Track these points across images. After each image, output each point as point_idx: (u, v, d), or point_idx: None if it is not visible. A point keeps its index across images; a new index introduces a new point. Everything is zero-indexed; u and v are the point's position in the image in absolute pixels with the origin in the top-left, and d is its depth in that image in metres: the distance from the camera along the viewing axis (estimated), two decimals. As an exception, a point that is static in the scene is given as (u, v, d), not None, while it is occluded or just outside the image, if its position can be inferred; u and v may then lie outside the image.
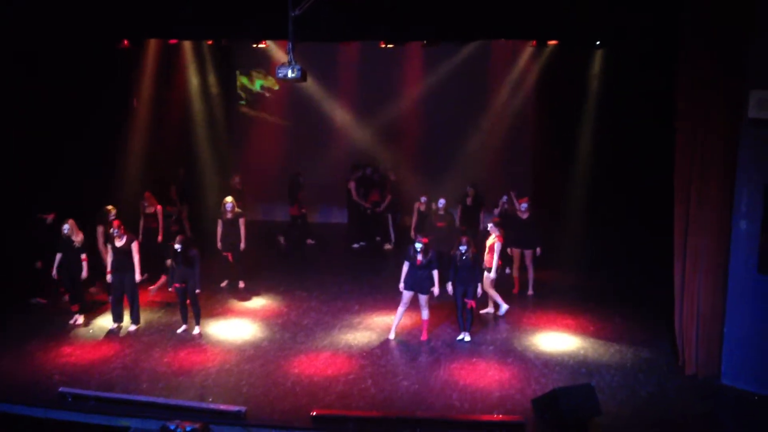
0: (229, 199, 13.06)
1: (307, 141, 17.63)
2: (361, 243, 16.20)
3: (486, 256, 11.40)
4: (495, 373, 9.60)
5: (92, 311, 11.64)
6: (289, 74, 10.50)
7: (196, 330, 10.91)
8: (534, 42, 15.37)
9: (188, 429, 7.65)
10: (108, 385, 9.11)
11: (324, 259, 15.35)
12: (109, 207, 12.26)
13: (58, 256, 11.13)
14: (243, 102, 18.11)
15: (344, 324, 11.44)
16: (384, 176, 16.47)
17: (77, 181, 12.92)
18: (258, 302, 12.40)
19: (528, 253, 12.72)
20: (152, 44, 14.99)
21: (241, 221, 12.92)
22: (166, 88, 15.86)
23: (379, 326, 11.21)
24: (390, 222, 16.25)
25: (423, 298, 10.61)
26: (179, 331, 10.96)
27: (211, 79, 17.21)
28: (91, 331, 11.04)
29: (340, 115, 17.69)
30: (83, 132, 13.14)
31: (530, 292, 12.76)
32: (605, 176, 14.97)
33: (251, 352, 10.27)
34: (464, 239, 10.75)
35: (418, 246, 10.52)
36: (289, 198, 16.13)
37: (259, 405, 8.58)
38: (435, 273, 10.62)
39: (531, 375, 9.54)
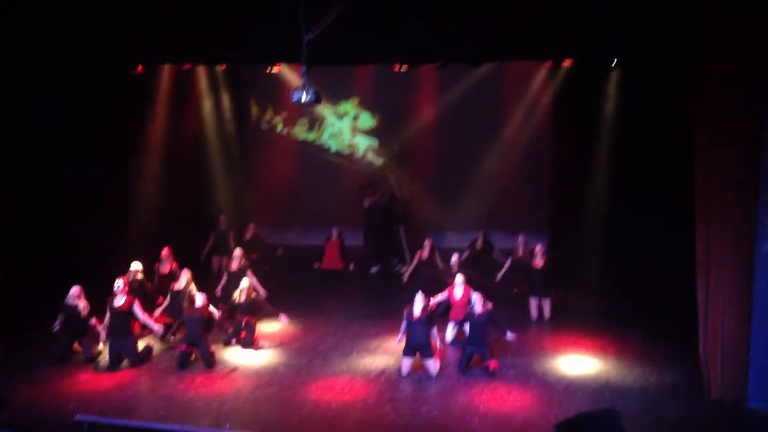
0: (237, 251, 12.81)
1: (321, 163, 17.64)
2: (378, 266, 16.03)
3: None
4: (516, 398, 9.43)
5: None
6: (304, 98, 10.50)
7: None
8: (549, 62, 15.33)
9: (206, 457, 7.56)
10: (124, 412, 8.98)
11: (339, 282, 15.18)
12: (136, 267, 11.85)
13: (60, 317, 10.72)
14: (265, 127, 18.09)
15: (361, 348, 11.32)
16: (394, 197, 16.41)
17: (92, 210, 12.96)
18: (274, 327, 12.29)
19: (546, 301, 12.57)
20: (166, 70, 15.05)
21: (249, 273, 12.35)
22: (180, 113, 15.89)
23: (397, 350, 11.05)
24: (402, 238, 16.00)
25: (428, 363, 10.21)
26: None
27: (225, 104, 17.24)
28: (106, 358, 10.94)
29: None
30: (97, 158, 13.21)
31: (547, 315, 12.59)
32: (624, 196, 14.80)
33: (268, 378, 10.15)
34: (476, 296, 10.46)
35: (418, 298, 10.21)
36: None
37: (277, 431, 8.44)
38: (434, 331, 10.35)
39: (553, 399, 9.36)
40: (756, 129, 8.78)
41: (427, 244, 13.55)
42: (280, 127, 17.95)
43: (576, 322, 12.43)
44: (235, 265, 12.57)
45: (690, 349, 10.30)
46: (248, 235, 14.91)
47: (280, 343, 11.58)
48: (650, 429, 8.53)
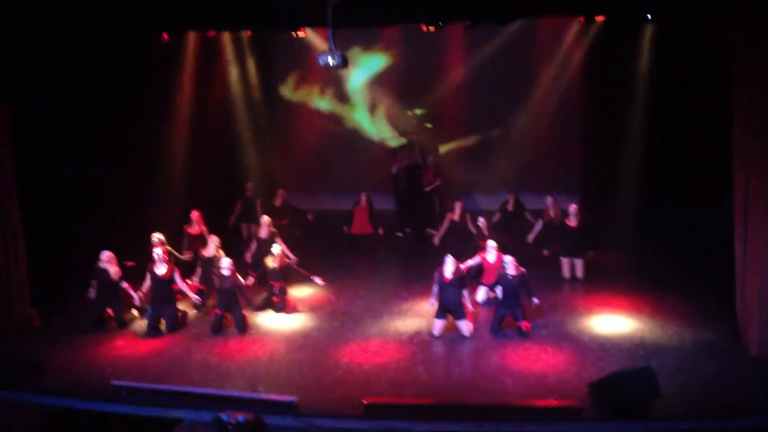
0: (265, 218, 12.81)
1: (348, 127, 17.55)
2: (407, 230, 15.98)
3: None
4: (549, 358, 9.38)
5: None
6: (330, 61, 10.41)
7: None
8: (581, 18, 14.95)
9: (240, 420, 7.60)
10: (160, 377, 9.12)
11: (369, 246, 15.00)
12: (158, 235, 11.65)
13: (93, 283, 10.84)
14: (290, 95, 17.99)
15: (393, 311, 11.32)
16: (427, 161, 16.22)
17: (120, 179, 13.03)
18: (305, 291, 12.32)
19: (578, 261, 12.42)
20: (191, 37, 14.97)
21: (278, 239, 12.35)
22: (207, 82, 15.84)
23: (429, 312, 11.01)
24: (437, 207, 15.91)
25: (460, 324, 10.23)
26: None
27: (251, 70, 17.14)
28: (142, 323, 11.07)
29: (381, 100, 17.50)
30: (125, 129, 13.28)
31: (580, 275, 12.45)
32: (659, 154, 14.52)
33: (301, 342, 10.21)
34: (509, 260, 10.35)
35: (449, 260, 10.18)
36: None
37: (311, 394, 8.50)
38: (465, 293, 10.29)
39: (587, 358, 9.29)
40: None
41: (457, 206, 13.44)
42: (306, 95, 17.79)
43: (609, 281, 12.29)
44: (264, 233, 12.59)
45: (726, 307, 10.14)
46: (278, 201, 14.91)
47: (313, 307, 11.62)
48: (686, 387, 8.43)
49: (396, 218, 16.26)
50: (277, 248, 11.63)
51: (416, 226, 15.99)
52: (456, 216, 13.35)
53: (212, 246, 11.87)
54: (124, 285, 10.85)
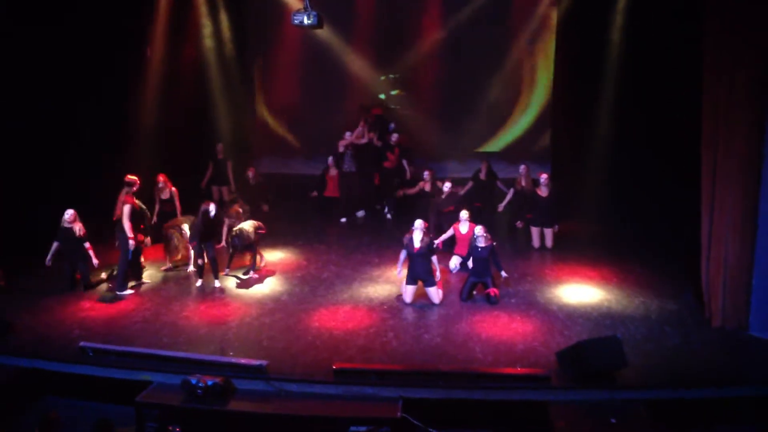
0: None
1: (322, 90, 17.37)
2: (363, 212, 15.03)
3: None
4: (518, 326, 9.47)
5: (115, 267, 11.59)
6: (305, 21, 10.29)
7: (217, 283, 10.87)
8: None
9: (210, 383, 7.63)
10: (129, 339, 9.06)
11: (340, 211, 14.95)
12: (133, 177, 11.31)
13: (55, 244, 10.60)
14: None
15: (364, 277, 11.35)
16: (390, 140, 14.95)
17: (91, 139, 12.79)
18: (276, 255, 12.30)
19: (548, 231, 12.51)
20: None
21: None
22: (179, 38, 15.50)
23: (399, 279, 11.09)
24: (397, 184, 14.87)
25: (430, 291, 10.27)
26: (198, 284, 10.92)
27: (225, 27, 16.80)
28: (109, 285, 10.98)
29: (355, 63, 17.31)
30: (96, 86, 12.98)
31: (549, 244, 12.57)
32: (629, 125, 14.59)
33: (271, 306, 10.20)
34: (479, 230, 10.37)
35: (417, 229, 10.17)
36: None
37: (281, 359, 8.50)
38: (435, 259, 10.31)
39: (555, 327, 9.41)
40: (763, 59, 8.59)
41: (427, 175, 13.42)
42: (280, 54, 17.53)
43: (578, 251, 12.43)
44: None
45: (691, 279, 10.35)
46: (252, 180, 14.81)
47: (283, 271, 11.60)
48: (651, 356, 8.57)
49: (341, 205, 14.82)
50: (247, 224, 11.48)
51: (371, 208, 15.08)
52: (427, 186, 13.33)
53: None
54: (87, 245, 10.69)
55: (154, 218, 12.20)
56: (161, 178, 12.45)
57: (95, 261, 10.73)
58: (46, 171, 12.12)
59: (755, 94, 8.75)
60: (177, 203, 12.33)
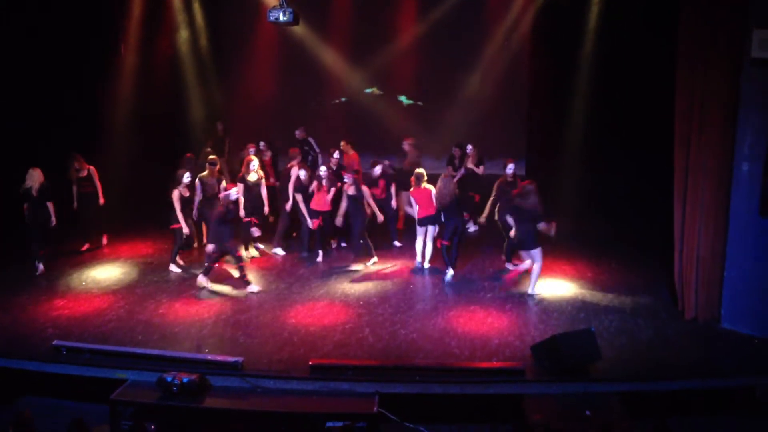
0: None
1: (298, 87, 17.30)
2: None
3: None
4: (493, 321, 9.52)
5: (87, 264, 11.53)
6: (281, 17, 10.23)
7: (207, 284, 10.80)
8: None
9: (185, 380, 7.58)
10: (103, 337, 8.98)
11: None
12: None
13: (26, 206, 10.82)
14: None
15: (340, 273, 11.34)
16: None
17: (66, 130, 12.65)
18: (252, 252, 12.25)
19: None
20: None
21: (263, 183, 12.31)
22: (154, 32, 15.38)
23: (375, 275, 11.11)
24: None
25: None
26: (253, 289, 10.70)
27: (200, 21, 16.67)
28: (84, 283, 10.89)
29: (331, 61, 17.25)
30: (71, 80, 12.85)
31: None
32: (604, 121, 14.68)
33: (247, 303, 10.16)
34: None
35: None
36: None
37: (256, 355, 8.47)
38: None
39: (530, 321, 9.47)
40: (737, 54, 8.69)
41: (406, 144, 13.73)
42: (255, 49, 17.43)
43: (552, 246, 12.40)
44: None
45: (665, 273, 10.47)
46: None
47: (259, 268, 11.56)
48: (625, 349, 8.65)
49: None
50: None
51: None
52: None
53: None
54: (50, 205, 10.88)
55: (74, 203, 12.19)
56: (77, 156, 12.18)
57: (54, 220, 11.03)
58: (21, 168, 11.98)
59: (728, 85, 8.84)
60: (97, 182, 12.19)
